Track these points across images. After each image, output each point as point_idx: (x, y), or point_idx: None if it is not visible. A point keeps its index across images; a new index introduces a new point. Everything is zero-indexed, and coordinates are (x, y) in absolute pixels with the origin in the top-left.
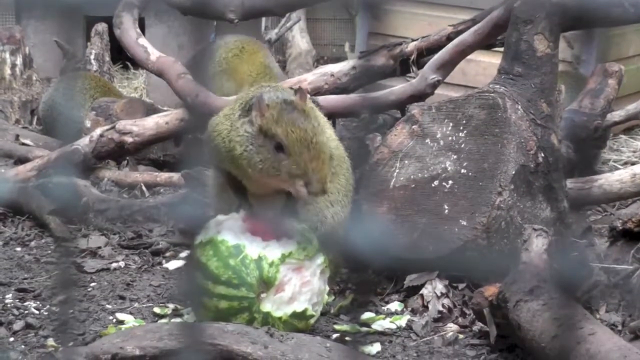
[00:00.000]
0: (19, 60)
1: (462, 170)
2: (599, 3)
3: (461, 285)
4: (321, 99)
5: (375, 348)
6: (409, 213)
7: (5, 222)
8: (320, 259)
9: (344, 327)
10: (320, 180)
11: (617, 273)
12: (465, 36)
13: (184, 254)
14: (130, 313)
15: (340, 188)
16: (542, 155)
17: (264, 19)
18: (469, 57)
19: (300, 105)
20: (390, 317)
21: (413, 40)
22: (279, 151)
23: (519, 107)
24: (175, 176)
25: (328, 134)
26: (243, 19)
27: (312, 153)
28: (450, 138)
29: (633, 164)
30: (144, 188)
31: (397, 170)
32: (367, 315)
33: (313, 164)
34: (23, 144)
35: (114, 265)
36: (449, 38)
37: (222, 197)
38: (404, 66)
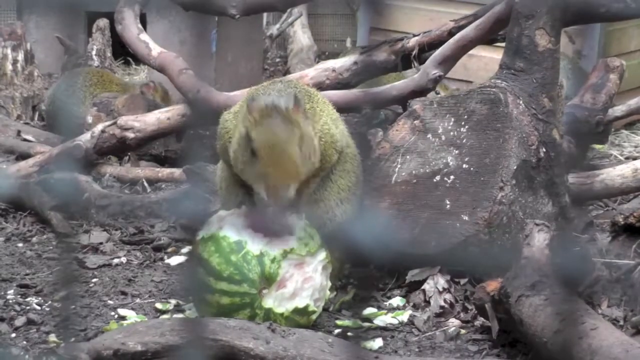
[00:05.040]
0: (20, 56)
1: (464, 165)
2: None
3: (463, 280)
4: (322, 94)
5: (377, 343)
6: (411, 208)
7: (7, 218)
8: (322, 255)
9: (346, 322)
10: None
11: (618, 268)
12: (467, 31)
13: (185, 250)
14: (132, 309)
15: (351, 186)
16: (544, 150)
17: (265, 15)
18: (470, 52)
19: (287, 113)
20: (392, 312)
21: (414, 35)
22: (253, 155)
23: (521, 102)
24: (176, 172)
25: (340, 129)
26: (244, 15)
27: (277, 160)
28: (451, 133)
29: (634, 158)
30: (145, 184)
31: (398, 166)
32: (368, 310)
33: (275, 171)
34: (25, 139)
35: (116, 261)
36: (451, 33)
37: (230, 190)
38: (405, 61)
